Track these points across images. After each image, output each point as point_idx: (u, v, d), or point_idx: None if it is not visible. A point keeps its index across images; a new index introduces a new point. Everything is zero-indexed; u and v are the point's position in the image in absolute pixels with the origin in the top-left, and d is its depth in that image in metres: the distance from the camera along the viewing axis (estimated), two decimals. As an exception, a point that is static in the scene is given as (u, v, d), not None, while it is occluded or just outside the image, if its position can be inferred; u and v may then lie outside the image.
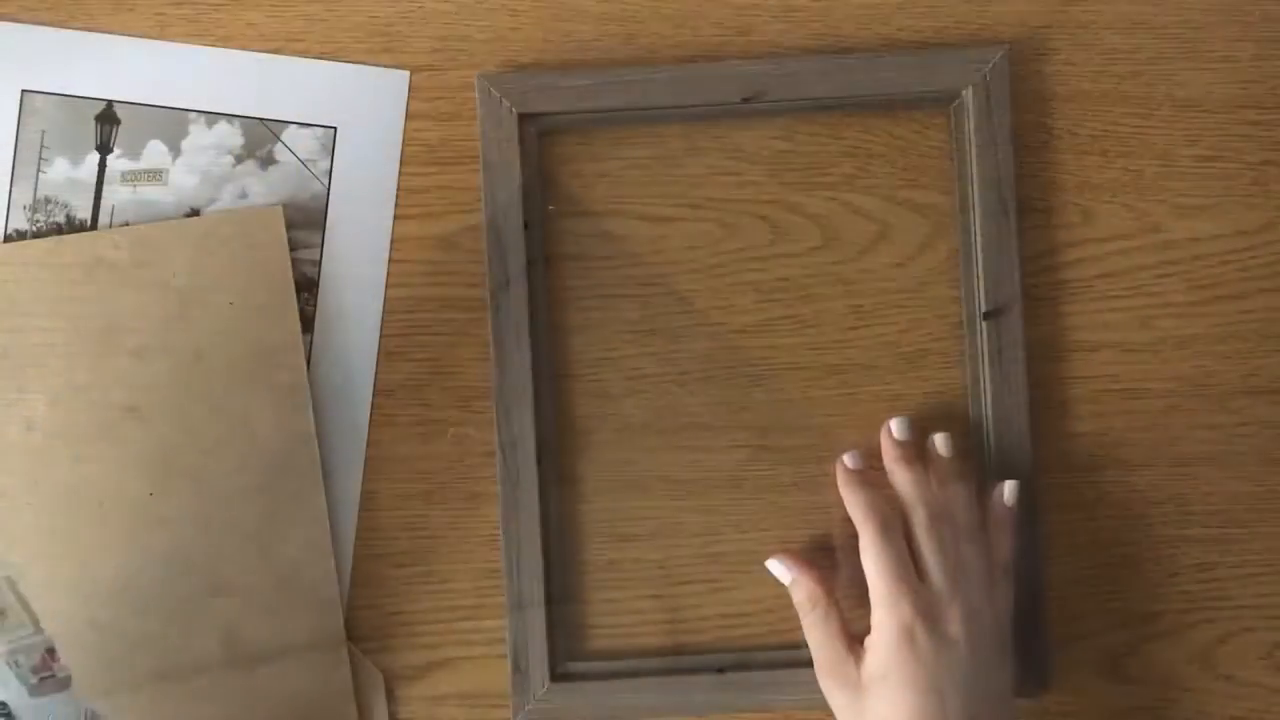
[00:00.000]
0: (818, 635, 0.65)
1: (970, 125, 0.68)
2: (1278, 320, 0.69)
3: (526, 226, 0.67)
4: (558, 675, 0.68)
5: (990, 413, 0.67)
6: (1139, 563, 0.69)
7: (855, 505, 0.65)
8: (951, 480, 0.65)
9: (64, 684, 0.62)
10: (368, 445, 0.69)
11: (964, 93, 0.68)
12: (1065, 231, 0.69)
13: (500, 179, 0.67)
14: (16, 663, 0.56)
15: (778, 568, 0.67)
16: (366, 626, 0.69)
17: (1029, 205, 0.69)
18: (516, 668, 0.67)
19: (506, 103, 0.67)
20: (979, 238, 0.68)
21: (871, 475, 0.66)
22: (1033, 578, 0.67)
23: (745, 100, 0.68)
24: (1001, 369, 0.67)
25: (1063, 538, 0.69)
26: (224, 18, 0.69)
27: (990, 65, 0.68)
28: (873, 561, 0.63)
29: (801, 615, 0.66)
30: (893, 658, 0.61)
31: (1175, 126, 0.69)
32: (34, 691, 0.62)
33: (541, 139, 0.69)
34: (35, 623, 0.57)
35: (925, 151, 0.70)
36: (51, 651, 0.56)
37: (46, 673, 0.60)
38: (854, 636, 0.64)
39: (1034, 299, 0.69)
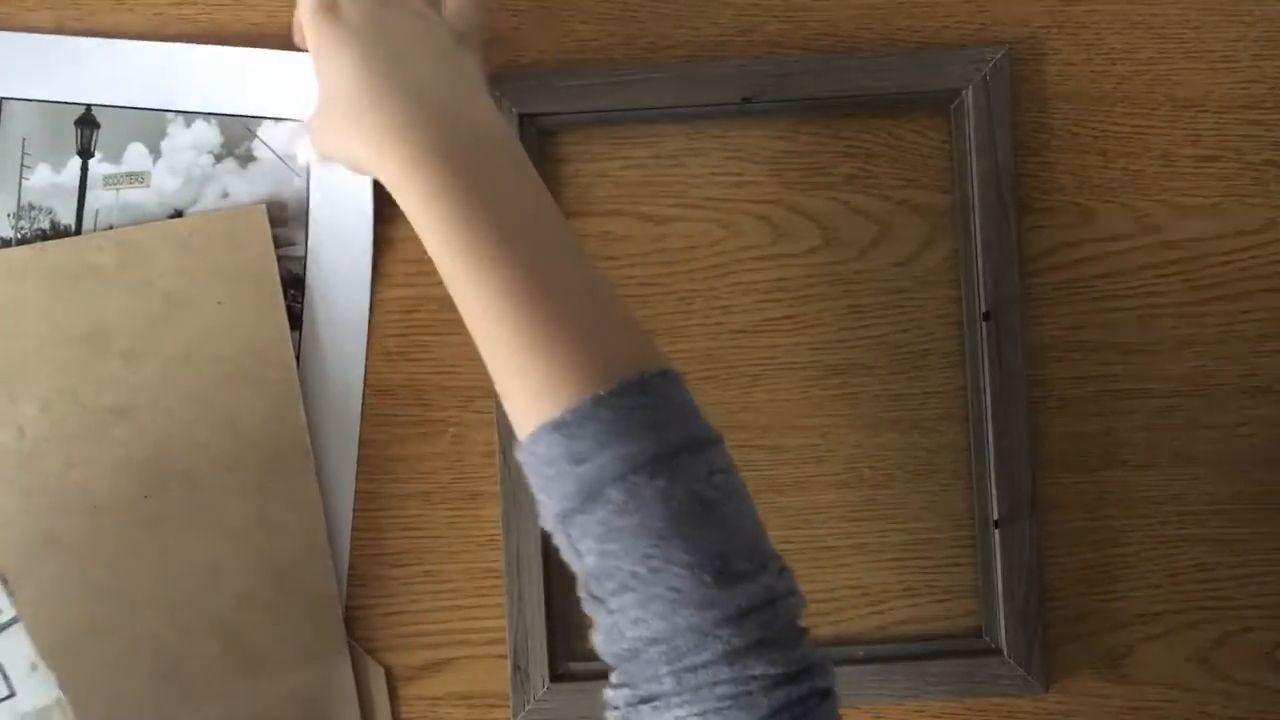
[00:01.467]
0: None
1: (970, 125, 0.67)
2: (1278, 320, 0.69)
3: (526, 226, 0.67)
4: (558, 675, 0.68)
5: (990, 413, 0.67)
6: (1139, 563, 0.69)
7: None
8: None
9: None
10: (367, 445, 0.68)
11: (964, 93, 0.68)
12: (1065, 231, 0.69)
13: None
14: None
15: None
16: (366, 626, 0.68)
17: (1029, 205, 0.69)
18: (516, 668, 0.67)
19: (506, 102, 0.67)
20: (979, 238, 0.67)
21: None
22: (1033, 578, 0.67)
23: (745, 100, 0.67)
24: (1001, 369, 0.67)
25: (1063, 538, 0.69)
26: (224, 17, 0.68)
27: (990, 65, 0.67)
28: None
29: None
30: (314, 36, 0.59)
31: (1175, 126, 0.69)
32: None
33: (541, 139, 0.68)
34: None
35: (925, 151, 0.69)
36: None
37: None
38: None
39: (1034, 299, 0.69)
